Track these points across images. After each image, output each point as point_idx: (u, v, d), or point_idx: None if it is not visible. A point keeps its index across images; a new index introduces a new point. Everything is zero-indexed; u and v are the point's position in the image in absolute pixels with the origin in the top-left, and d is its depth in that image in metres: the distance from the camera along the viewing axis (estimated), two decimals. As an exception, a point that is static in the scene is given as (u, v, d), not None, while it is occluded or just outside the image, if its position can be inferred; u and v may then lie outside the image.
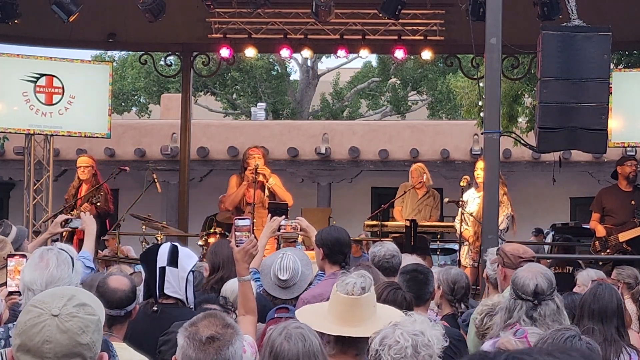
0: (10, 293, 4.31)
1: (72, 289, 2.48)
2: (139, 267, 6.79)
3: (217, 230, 10.72)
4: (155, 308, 4.51)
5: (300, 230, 6.11)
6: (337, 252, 5.30)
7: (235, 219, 4.65)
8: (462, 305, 5.59)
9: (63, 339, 2.27)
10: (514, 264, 5.46)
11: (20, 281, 3.79)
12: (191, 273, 4.60)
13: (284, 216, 6.32)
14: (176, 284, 4.57)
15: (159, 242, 9.19)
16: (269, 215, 6.37)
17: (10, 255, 4.36)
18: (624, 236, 10.05)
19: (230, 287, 5.37)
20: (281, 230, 6.17)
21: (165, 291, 4.56)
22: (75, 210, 10.35)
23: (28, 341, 2.28)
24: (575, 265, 11.38)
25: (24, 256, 4.39)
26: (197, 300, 4.89)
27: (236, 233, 4.56)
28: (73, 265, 3.79)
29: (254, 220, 9.23)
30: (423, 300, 4.97)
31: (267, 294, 5.53)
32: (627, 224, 10.15)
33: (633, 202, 10.20)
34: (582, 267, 12.00)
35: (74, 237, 10.17)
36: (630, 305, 6.73)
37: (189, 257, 4.65)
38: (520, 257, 5.46)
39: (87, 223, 6.36)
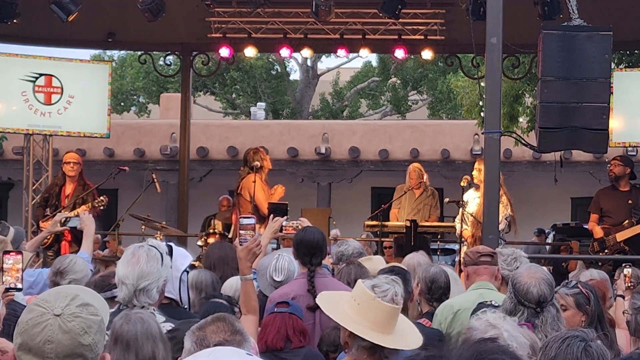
0: (7, 290, 4.31)
1: (77, 288, 2.47)
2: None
3: (217, 230, 10.70)
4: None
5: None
6: (302, 254, 5.33)
7: (240, 218, 4.65)
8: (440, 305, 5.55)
9: (65, 339, 2.26)
10: (472, 260, 5.48)
11: (116, 275, 4.03)
12: (185, 273, 4.58)
13: (286, 217, 6.31)
14: (170, 284, 4.55)
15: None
16: (272, 215, 6.34)
17: (7, 252, 4.38)
18: (621, 236, 10.04)
19: (229, 286, 5.34)
20: (283, 231, 6.15)
21: None
22: (69, 210, 10.02)
23: (29, 340, 2.27)
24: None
25: (20, 253, 4.41)
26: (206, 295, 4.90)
27: (240, 231, 4.54)
28: (162, 261, 4.04)
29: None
30: None
31: (263, 295, 5.52)
32: (626, 223, 10.13)
33: (630, 202, 10.18)
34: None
35: (62, 239, 9.99)
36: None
37: (183, 257, 4.63)
38: (478, 252, 5.49)
39: (86, 223, 6.32)
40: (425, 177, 11.30)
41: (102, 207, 10.12)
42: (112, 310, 3.99)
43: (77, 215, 7.96)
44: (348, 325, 3.69)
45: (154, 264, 3.99)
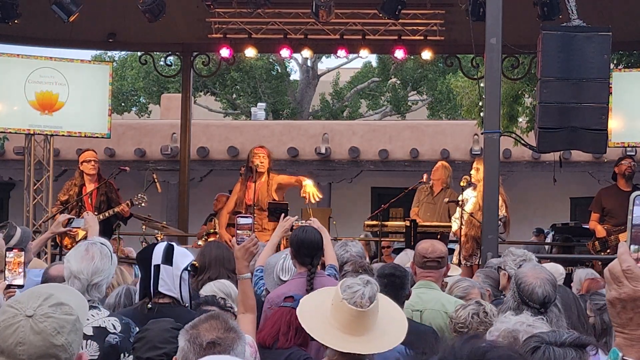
0: (9, 286, 4.32)
1: (54, 287, 2.46)
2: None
3: (218, 230, 10.72)
4: (149, 306, 4.52)
5: None
6: (303, 255, 5.34)
7: (237, 217, 4.68)
8: None
9: (36, 341, 2.24)
10: (419, 263, 5.52)
11: (66, 269, 4.16)
12: (186, 271, 4.61)
13: (296, 216, 6.32)
14: (170, 282, 4.59)
15: (158, 242, 9.17)
16: (282, 215, 6.35)
17: (9, 249, 4.41)
18: (624, 236, 10.02)
19: (210, 289, 5.29)
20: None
21: (160, 289, 4.57)
22: (97, 212, 9.82)
23: (2, 342, 2.25)
24: (575, 265, 11.36)
25: (22, 250, 4.44)
26: (196, 301, 4.87)
27: (237, 231, 4.57)
28: (112, 258, 4.28)
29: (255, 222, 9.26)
30: (399, 304, 5.01)
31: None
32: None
33: (633, 203, 10.17)
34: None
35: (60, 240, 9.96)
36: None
37: (184, 256, 4.66)
38: (424, 256, 5.52)
39: (90, 224, 6.32)
40: (449, 179, 11.24)
41: (141, 205, 10.08)
42: None
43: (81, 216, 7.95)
44: (310, 329, 3.71)
45: (107, 261, 4.21)
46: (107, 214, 9.75)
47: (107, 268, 4.22)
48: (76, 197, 10.15)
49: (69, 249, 9.23)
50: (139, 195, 10.00)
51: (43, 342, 2.24)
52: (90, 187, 10.19)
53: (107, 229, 10.09)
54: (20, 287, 4.40)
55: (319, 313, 3.76)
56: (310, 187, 9.97)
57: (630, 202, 1.97)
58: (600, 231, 10.21)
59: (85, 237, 9.65)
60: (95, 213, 9.77)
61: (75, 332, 2.31)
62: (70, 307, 2.33)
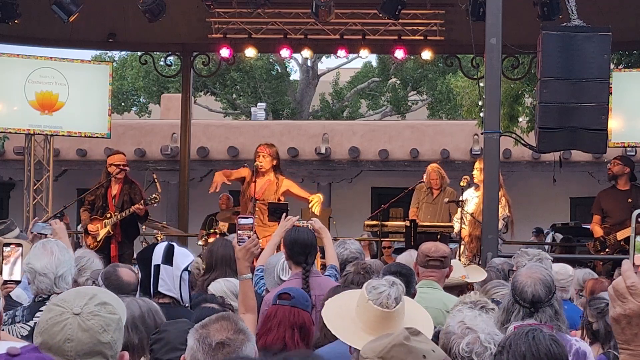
0: (5, 282, 4.31)
1: (94, 289, 2.52)
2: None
3: (218, 230, 10.73)
4: None
5: (314, 231, 6.08)
6: (297, 254, 5.38)
7: (238, 218, 4.67)
8: None
9: (84, 338, 2.31)
10: (422, 262, 5.53)
11: (29, 271, 4.28)
12: (186, 272, 4.61)
13: (298, 216, 6.32)
14: (170, 282, 4.59)
15: (159, 242, 9.17)
16: (284, 214, 6.36)
17: (6, 244, 4.40)
18: (622, 234, 10.06)
19: (220, 287, 5.28)
20: None
21: (160, 289, 4.57)
22: (118, 211, 9.88)
23: (50, 339, 2.31)
24: (574, 266, 11.36)
25: (20, 245, 4.43)
26: (195, 300, 4.87)
27: (238, 231, 4.56)
28: (68, 251, 4.45)
29: (256, 216, 9.28)
30: None
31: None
32: (626, 222, 10.13)
33: (630, 200, 10.21)
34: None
35: (111, 240, 10.00)
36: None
37: (184, 256, 4.66)
38: (427, 255, 5.52)
39: (60, 234, 6.13)
40: (443, 180, 11.13)
41: (155, 204, 10.09)
42: (32, 302, 4.29)
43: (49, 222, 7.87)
44: (335, 330, 3.70)
45: (65, 252, 4.37)
46: (123, 214, 9.79)
47: (68, 259, 4.38)
48: (102, 198, 10.16)
49: (92, 248, 9.30)
50: (153, 195, 10.02)
51: (90, 339, 2.31)
52: (115, 188, 10.17)
53: (130, 230, 10.13)
54: (17, 282, 4.39)
55: (344, 315, 3.76)
56: (317, 206, 9.99)
57: (633, 219, 1.99)
58: (597, 231, 10.23)
59: (107, 234, 9.78)
60: (116, 213, 9.85)
61: (119, 330, 2.39)
62: (114, 307, 2.40)
